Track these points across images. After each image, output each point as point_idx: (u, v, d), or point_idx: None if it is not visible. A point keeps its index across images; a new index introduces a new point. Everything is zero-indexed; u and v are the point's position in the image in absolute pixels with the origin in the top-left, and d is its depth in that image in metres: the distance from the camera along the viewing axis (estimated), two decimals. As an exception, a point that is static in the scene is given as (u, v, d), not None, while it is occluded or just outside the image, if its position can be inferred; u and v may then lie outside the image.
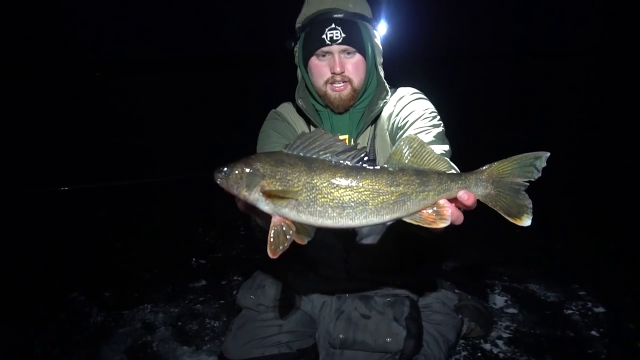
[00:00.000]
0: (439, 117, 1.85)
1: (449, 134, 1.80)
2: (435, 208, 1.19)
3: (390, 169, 1.19)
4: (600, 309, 2.72)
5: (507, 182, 1.19)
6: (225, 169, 1.19)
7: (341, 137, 1.95)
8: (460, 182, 1.19)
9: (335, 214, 1.15)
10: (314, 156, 1.18)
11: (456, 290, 2.42)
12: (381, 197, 1.16)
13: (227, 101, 20.73)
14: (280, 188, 1.15)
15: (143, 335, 2.63)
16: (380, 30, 1.96)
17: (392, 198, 1.16)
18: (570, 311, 2.73)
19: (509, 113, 11.97)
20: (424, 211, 1.19)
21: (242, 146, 1.83)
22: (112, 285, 3.18)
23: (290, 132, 2.02)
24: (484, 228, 3.14)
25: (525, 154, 1.18)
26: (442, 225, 1.17)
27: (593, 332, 2.51)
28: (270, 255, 1.13)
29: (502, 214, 1.19)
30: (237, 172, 1.17)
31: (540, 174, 1.17)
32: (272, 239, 1.14)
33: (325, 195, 1.15)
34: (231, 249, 3.85)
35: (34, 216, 4.85)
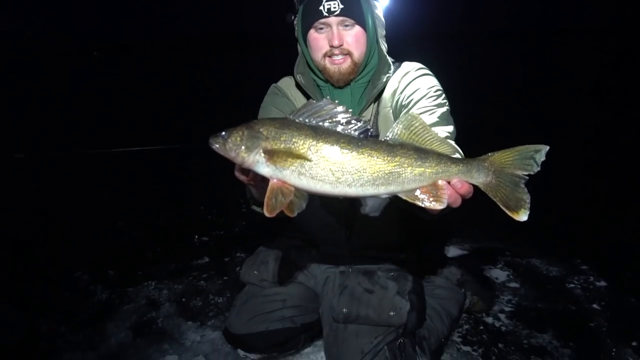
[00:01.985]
0: (444, 96, 1.81)
1: (455, 113, 1.76)
2: (432, 189, 1.19)
3: (390, 142, 1.21)
4: (602, 283, 2.73)
5: (508, 173, 1.19)
6: (224, 133, 1.21)
7: None
8: (461, 165, 1.19)
9: (334, 179, 1.17)
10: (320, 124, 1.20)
11: (459, 265, 2.43)
12: (378, 166, 1.17)
13: (228, 81, 20.55)
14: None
15: (148, 312, 2.65)
16: (382, 1, 1.90)
17: (388, 167, 1.17)
18: (572, 285, 2.74)
19: (519, 93, 11.75)
20: (421, 190, 1.19)
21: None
22: (116, 263, 3.19)
23: (290, 107, 1.99)
24: (486, 204, 3.13)
25: (526, 145, 1.19)
26: (438, 207, 1.17)
27: (594, 306, 2.52)
28: (267, 214, 1.15)
29: (501, 206, 1.20)
30: (239, 133, 1.19)
31: (539, 168, 1.19)
32: (268, 202, 1.16)
33: (328, 159, 1.16)
34: (234, 226, 3.86)
35: (37, 194, 4.86)
